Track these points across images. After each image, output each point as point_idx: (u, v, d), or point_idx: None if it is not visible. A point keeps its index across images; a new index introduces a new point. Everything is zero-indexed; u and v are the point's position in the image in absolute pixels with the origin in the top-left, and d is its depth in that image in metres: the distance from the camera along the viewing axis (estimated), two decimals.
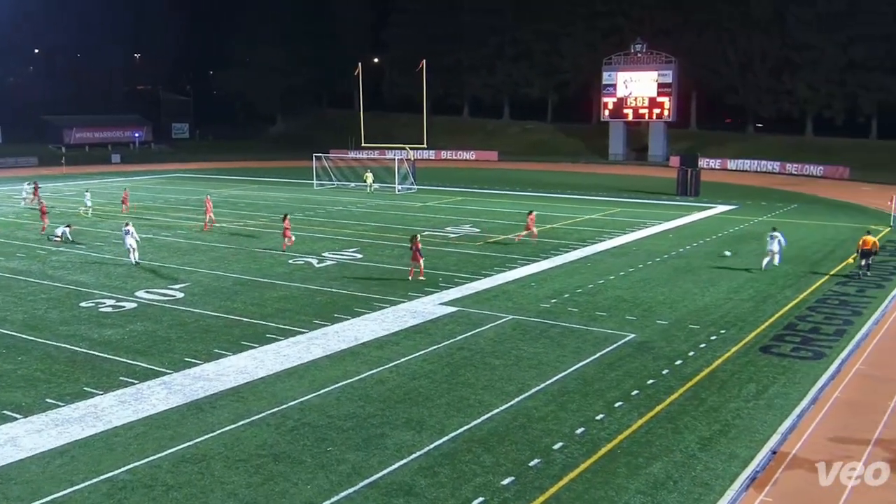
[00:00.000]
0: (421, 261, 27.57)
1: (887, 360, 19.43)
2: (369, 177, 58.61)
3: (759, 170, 75.94)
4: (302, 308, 23.78)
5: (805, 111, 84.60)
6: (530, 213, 35.97)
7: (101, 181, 66.39)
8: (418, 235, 29.00)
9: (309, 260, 31.16)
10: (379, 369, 18.35)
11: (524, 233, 35.56)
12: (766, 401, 16.55)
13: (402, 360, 19.04)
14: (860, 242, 29.07)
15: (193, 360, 18.86)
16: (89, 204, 45.98)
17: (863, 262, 28.61)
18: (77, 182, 65.13)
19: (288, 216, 34.59)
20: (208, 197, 42.30)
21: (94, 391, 16.93)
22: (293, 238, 33.54)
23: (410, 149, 64.16)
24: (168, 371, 18.17)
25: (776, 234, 30.01)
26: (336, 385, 17.34)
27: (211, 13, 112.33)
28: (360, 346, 20.12)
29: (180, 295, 25.42)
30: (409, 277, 27.49)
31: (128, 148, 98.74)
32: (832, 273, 29.06)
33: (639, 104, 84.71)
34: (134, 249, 30.34)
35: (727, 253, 32.34)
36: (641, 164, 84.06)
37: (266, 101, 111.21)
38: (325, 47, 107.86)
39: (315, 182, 61.78)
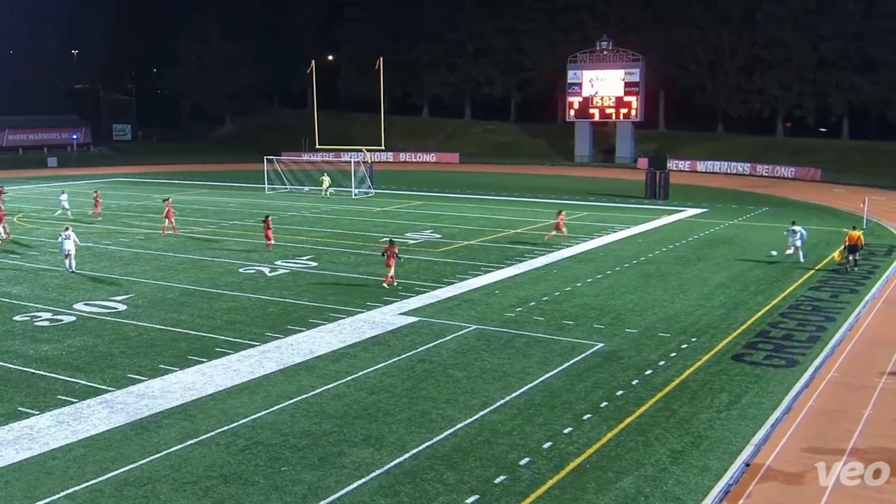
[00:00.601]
0: (392, 268, 27.70)
1: (861, 367, 19.81)
2: (325, 180, 58.40)
3: (729, 171, 77.11)
4: (253, 320, 23.58)
5: (776, 111, 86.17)
6: (560, 212, 37.80)
7: (37, 186, 65.24)
8: (392, 239, 29.40)
9: (261, 269, 30.93)
10: (335, 384, 18.26)
11: (553, 232, 37.35)
12: (738, 411, 16.77)
13: (360, 373, 18.97)
14: (846, 238, 31.25)
15: (137, 377, 18.59)
16: (67, 206, 45.69)
17: (850, 258, 30.86)
18: (9, 187, 63.83)
19: (270, 218, 35.83)
20: (169, 200, 42.00)
21: (30, 411, 16.60)
22: (273, 242, 34.95)
23: (367, 151, 64.05)
24: (110, 388, 17.88)
25: (797, 227, 32.55)
26: (290, 401, 17.21)
27: (154, 8, 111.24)
28: (316, 359, 20.01)
29: (123, 307, 25.05)
30: (394, 284, 27.70)
31: (65, 151, 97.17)
32: (818, 268, 29.61)
33: (605, 104, 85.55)
34: (71, 256, 30.01)
35: (773, 253, 33.42)
36: (608, 165, 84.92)
37: (214, 101, 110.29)
38: (276, 44, 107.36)
39: (267, 186, 61.38)
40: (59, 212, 45.54)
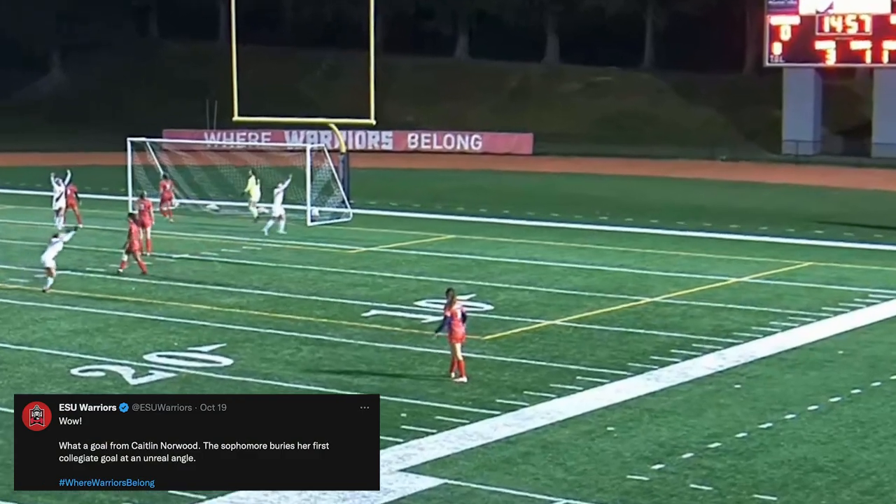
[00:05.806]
0: (458, 344, 30.36)
1: None
2: (253, 190, 58.08)
3: None
4: None
5: None
6: None
7: None
8: (453, 290, 32.33)
9: (114, 369, 31.06)
10: None
11: None
12: None
13: None
14: None
15: None
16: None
17: None
18: None
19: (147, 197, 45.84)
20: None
21: None
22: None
23: (338, 127, 64.24)
24: None
25: None
26: None
27: None
28: None
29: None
30: (451, 375, 30.84)
31: None
32: None
33: (849, 32, 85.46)
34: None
35: None
36: (858, 162, 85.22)
37: (33, 32, 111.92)
38: None
39: (132, 198, 61.46)
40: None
